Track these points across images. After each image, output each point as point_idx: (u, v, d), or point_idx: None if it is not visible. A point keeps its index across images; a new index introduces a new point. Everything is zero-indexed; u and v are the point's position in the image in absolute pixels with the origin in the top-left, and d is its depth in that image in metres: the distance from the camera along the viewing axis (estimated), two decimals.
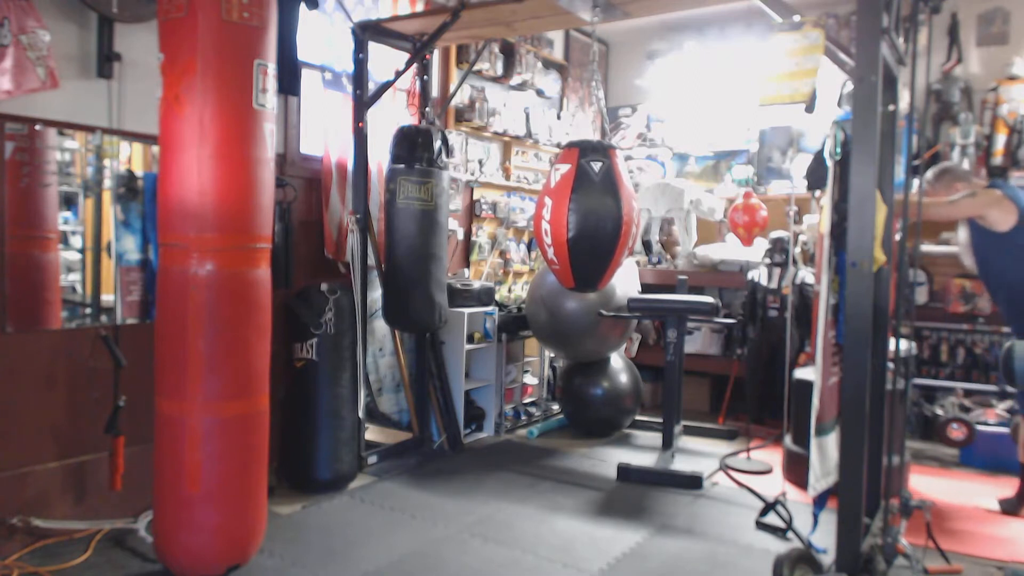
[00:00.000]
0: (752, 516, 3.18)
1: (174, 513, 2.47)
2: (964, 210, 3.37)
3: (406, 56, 3.96)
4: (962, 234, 3.56)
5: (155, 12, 2.53)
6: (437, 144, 3.72)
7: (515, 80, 5.26)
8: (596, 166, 3.36)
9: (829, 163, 2.48)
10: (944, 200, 3.38)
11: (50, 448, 2.82)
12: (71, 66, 2.84)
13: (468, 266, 4.99)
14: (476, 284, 4.47)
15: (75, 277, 3.00)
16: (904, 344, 2.76)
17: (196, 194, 2.40)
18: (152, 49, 2.52)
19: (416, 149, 3.68)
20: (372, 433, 4.11)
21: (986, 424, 4.06)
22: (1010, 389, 4.06)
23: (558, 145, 5.57)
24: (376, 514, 3.24)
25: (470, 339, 4.40)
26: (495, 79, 5.14)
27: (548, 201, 3.42)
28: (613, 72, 6.46)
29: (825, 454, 2.43)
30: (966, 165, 4.76)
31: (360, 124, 3.84)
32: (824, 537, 2.65)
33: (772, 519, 3.08)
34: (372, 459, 3.80)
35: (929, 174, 3.61)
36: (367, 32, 3.84)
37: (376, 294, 4.07)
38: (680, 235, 5.59)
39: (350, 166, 3.91)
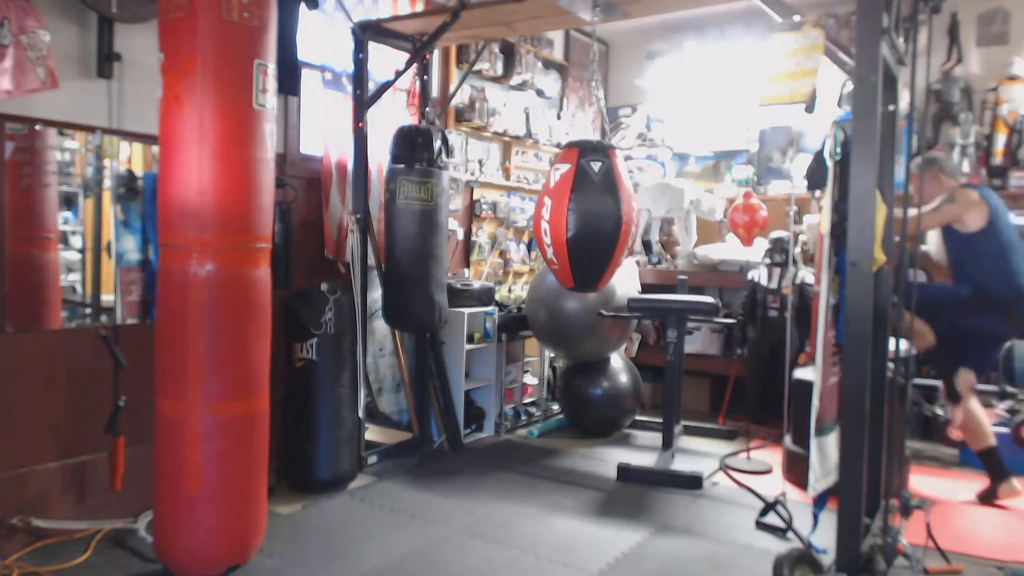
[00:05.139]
0: (752, 516, 3.17)
1: (174, 513, 2.47)
2: (946, 216, 3.44)
3: (406, 56, 3.96)
4: (933, 237, 3.60)
5: (155, 12, 2.53)
6: (437, 144, 3.72)
7: (515, 80, 5.26)
8: (596, 166, 3.36)
9: (829, 163, 2.48)
10: (926, 209, 3.42)
11: (50, 448, 2.82)
12: (71, 66, 2.84)
13: (468, 266, 4.99)
14: (476, 284, 4.47)
15: (75, 277, 3.00)
16: (904, 344, 2.76)
17: (196, 194, 2.40)
18: (152, 49, 2.52)
19: (416, 149, 3.67)
20: (372, 433, 4.11)
21: None
22: (1010, 389, 4.08)
23: (558, 145, 5.57)
24: (376, 514, 3.24)
25: (470, 339, 4.40)
26: (495, 79, 5.14)
27: (548, 201, 3.42)
28: (613, 72, 6.46)
29: (825, 454, 2.43)
30: (966, 166, 4.76)
31: (360, 124, 3.84)
32: (824, 537, 2.65)
33: (772, 519, 3.07)
34: (372, 459, 3.80)
35: (914, 164, 3.64)
36: (367, 32, 3.84)
37: (376, 294, 4.07)
38: (680, 235, 5.58)
39: (350, 166, 3.91)
